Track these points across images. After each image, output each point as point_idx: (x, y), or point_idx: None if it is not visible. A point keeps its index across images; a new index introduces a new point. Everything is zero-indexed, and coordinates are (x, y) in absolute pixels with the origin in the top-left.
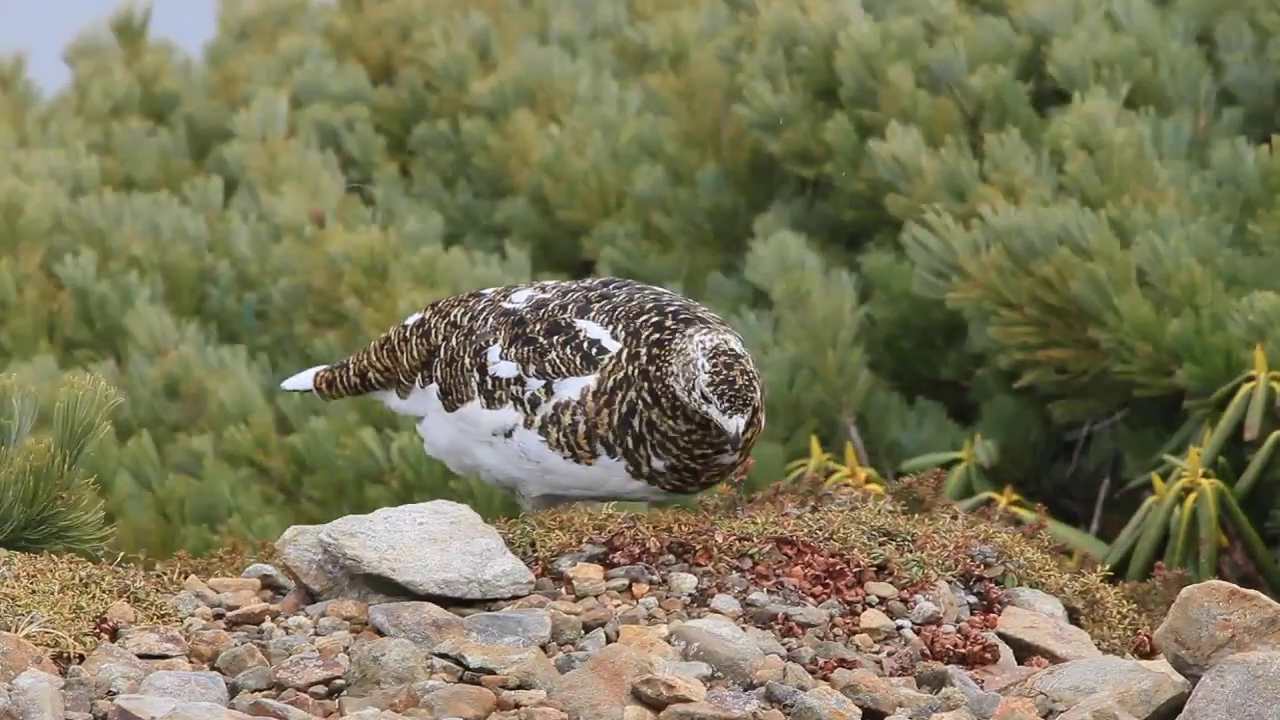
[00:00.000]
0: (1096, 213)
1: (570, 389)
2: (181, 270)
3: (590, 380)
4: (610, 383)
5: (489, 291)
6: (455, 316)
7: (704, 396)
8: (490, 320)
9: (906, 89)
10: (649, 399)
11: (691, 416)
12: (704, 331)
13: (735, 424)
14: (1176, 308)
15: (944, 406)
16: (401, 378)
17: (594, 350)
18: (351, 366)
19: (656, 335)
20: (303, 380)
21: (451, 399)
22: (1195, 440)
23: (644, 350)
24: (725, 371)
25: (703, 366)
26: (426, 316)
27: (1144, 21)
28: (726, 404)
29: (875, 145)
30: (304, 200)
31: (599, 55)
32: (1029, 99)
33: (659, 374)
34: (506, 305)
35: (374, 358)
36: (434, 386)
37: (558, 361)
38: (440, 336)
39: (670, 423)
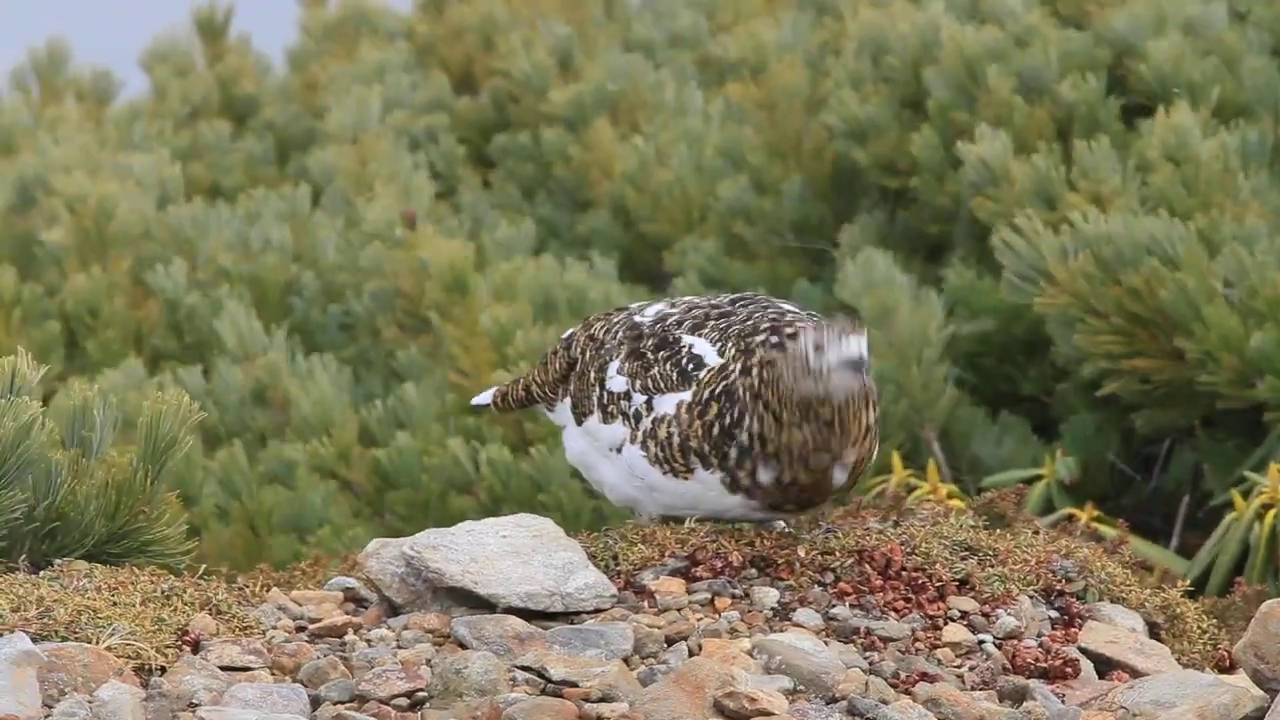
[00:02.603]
0: (1185, 224)
1: (668, 404)
2: (268, 281)
3: (687, 395)
4: (706, 394)
5: (635, 306)
6: (596, 330)
7: (816, 348)
8: (620, 334)
9: (1003, 94)
10: (771, 417)
11: (808, 411)
12: (810, 329)
13: (855, 345)
14: (1260, 320)
15: (1026, 421)
16: (547, 390)
17: (691, 366)
18: (520, 381)
19: (768, 356)
20: (485, 397)
21: (579, 411)
22: (1276, 456)
23: (755, 371)
24: (829, 330)
25: (807, 343)
26: (575, 331)
27: (1223, 33)
28: (839, 341)
29: (965, 148)
30: (394, 203)
31: (681, 65)
32: (1118, 111)
33: (773, 388)
34: (637, 319)
35: (535, 372)
36: (568, 399)
37: (658, 377)
38: (579, 349)
39: (789, 432)
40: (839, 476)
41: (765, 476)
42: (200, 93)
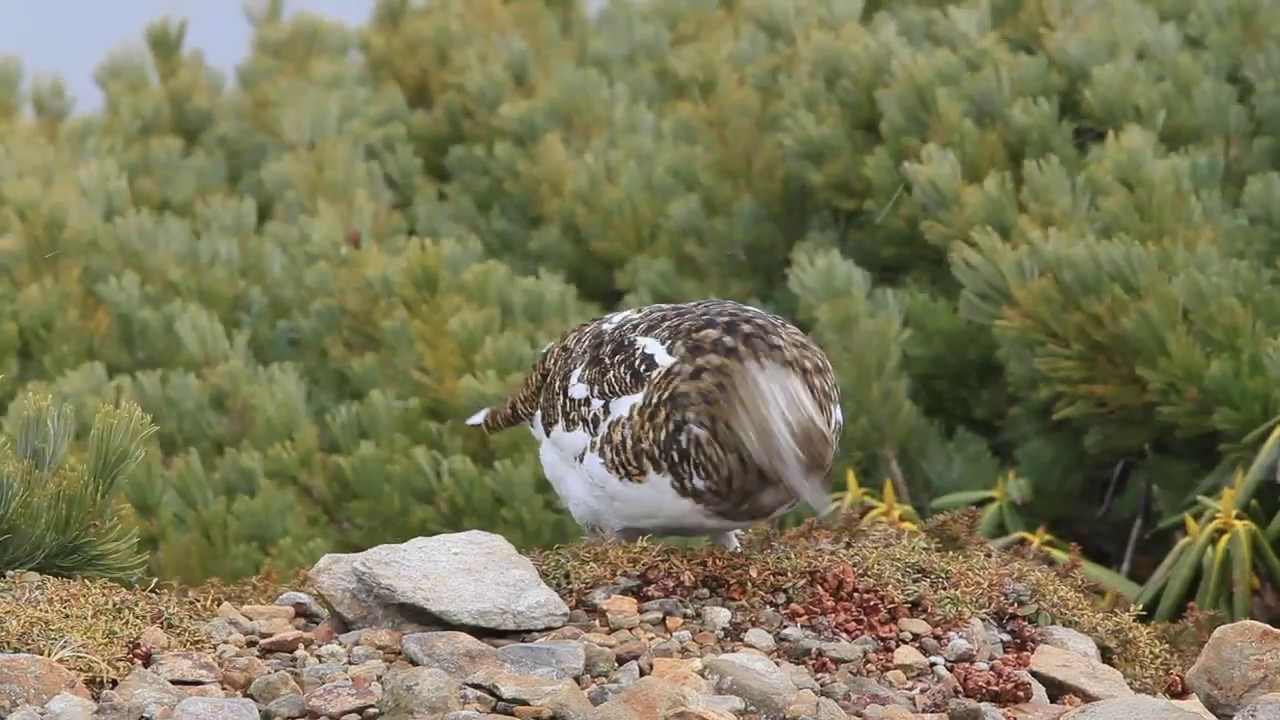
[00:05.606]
0: (1145, 248)
1: (622, 407)
2: (217, 295)
3: (639, 397)
4: (656, 397)
5: (607, 316)
6: (569, 341)
7: (780, 456)
8: (586, 342)
9: (953, 119)
10: (708, 423)
11: (746, 463)
12: (775, 380)
13: (814, 487)
14: (1218, 349)
15: (983, 440)
16: (528, 406)
17: (644, 367)
18: (509, 399)
19: (719, 360)
20: (479, 417)
21: (546, 422)
22: (1228, 481)
23: (708, 375)
24: (803, 435)
25: (780, 429)
26: (553, 345)
27: (1176, 58)
28: (801, 467)
29: (912, 169)
30: (340, 220)
31: (640, 78)
32: (1070, 135)
33: (723, 409)
34: (604, 327)
35: (520, 389)
36: (539, 412)
37: (614, 380)
38: (552, 360)
39: (720, 453)
40: (770, 499)
41: (700, 484)
42: (152, 108)
